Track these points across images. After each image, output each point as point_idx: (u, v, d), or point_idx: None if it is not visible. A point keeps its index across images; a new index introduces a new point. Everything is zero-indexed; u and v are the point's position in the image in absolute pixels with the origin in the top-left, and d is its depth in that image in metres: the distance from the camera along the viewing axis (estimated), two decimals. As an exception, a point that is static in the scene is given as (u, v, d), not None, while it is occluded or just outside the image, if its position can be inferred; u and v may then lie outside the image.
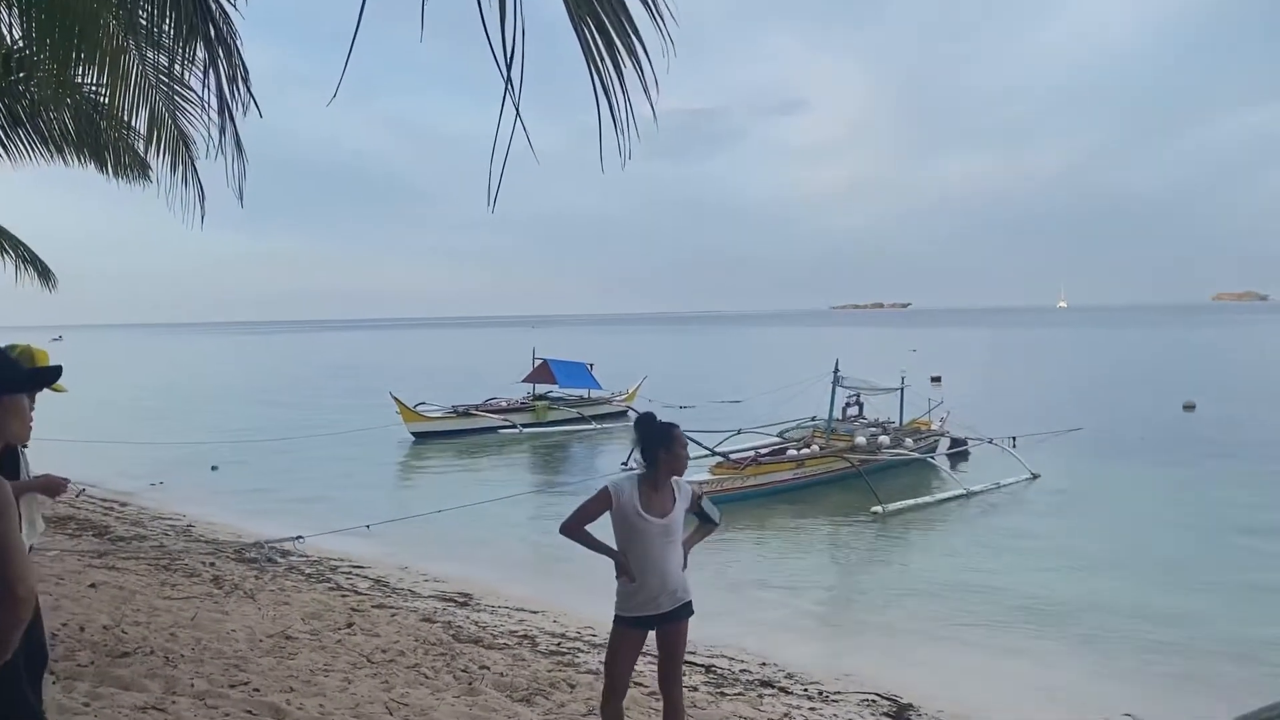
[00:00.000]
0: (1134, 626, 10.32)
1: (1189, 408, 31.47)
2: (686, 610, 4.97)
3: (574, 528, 5.11)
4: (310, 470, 22.44)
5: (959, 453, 22.14)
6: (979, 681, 8.79)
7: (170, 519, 15.78)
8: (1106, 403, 34.11)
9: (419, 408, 27.83)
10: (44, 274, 11.73)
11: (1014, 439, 21.96)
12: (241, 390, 48.63)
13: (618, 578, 4.99)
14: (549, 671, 7.78)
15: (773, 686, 8.22)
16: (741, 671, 8.65)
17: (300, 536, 13.23)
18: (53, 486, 4.25)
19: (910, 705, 7.91)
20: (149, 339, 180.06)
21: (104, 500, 17.15)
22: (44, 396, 3.92)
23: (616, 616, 5.06)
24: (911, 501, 17.21)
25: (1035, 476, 19.48)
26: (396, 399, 26.97)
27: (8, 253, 11.17)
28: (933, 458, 20.85)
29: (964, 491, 17.94)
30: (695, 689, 7.78)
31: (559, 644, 9.10)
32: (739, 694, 7.81)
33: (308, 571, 11.86)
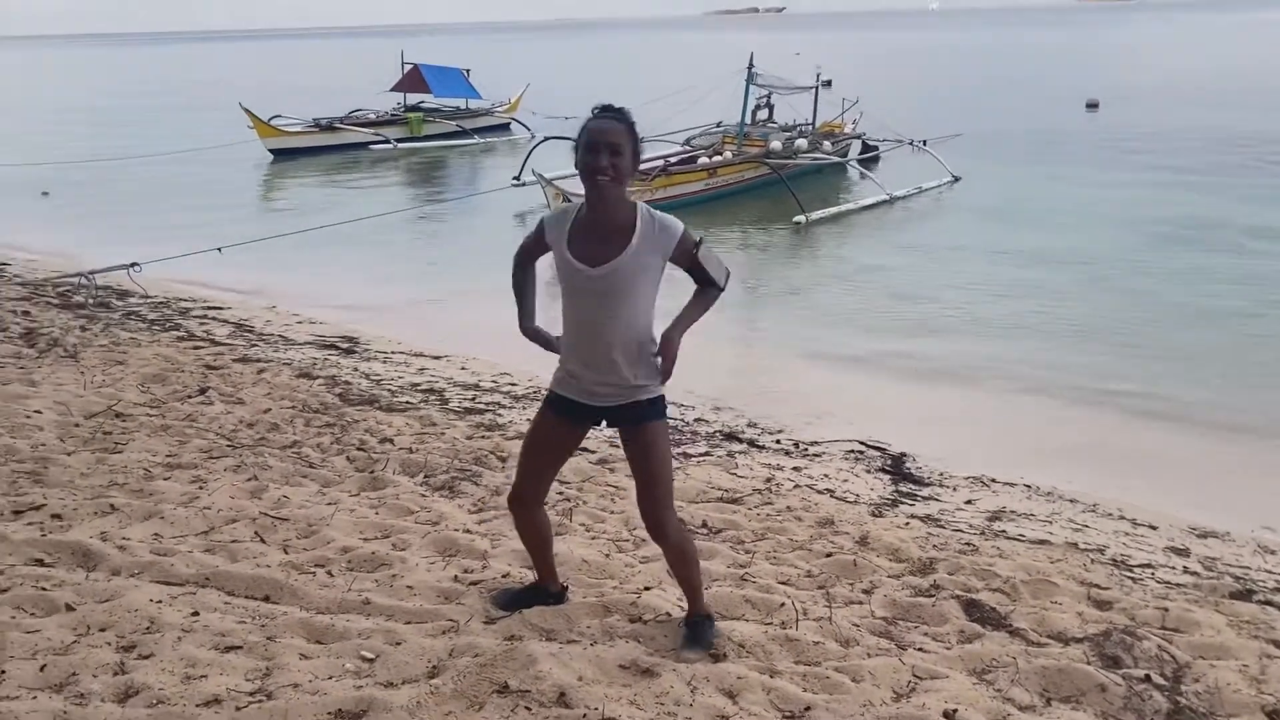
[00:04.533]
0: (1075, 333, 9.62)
1: (1092, 106, 30.49)
2: (645, 412, 3.22)
3: (514, 269, 3.38)
4: (156, 194, 19.47)
5: (871, 157, 20.67)
6: (946, 424, 7.58)
7: (-21, 257, 13.16)
8: (1009, 104, 32.91)
9: (274, 121, 24.54)
10: None
11: (925, 141, 20.52)
12: (57, 109, 43.05)
13: None
14: (469, 439, 6.14)
15: (739, 440, 6.80)
16: (697, 422, 7.19)
17: (136, 264, 10.75)
18: None
19: (904, 455, 6.62)
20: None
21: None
22: None
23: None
24: (835, 210, 15.79)
25: (956, 179, 18.24)
26: (248, 111, 23.57)
27: None
28: (852, 163, 19.33)
29: (887, 197, 16.57)
30: (652, 451, 6.28)
31: (474, 398, 7.43)
32: (705, 454, 6.36)
33: (151, 318, 9.75)
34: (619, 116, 3.06)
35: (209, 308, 10.48)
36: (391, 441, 5.95)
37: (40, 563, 3.61)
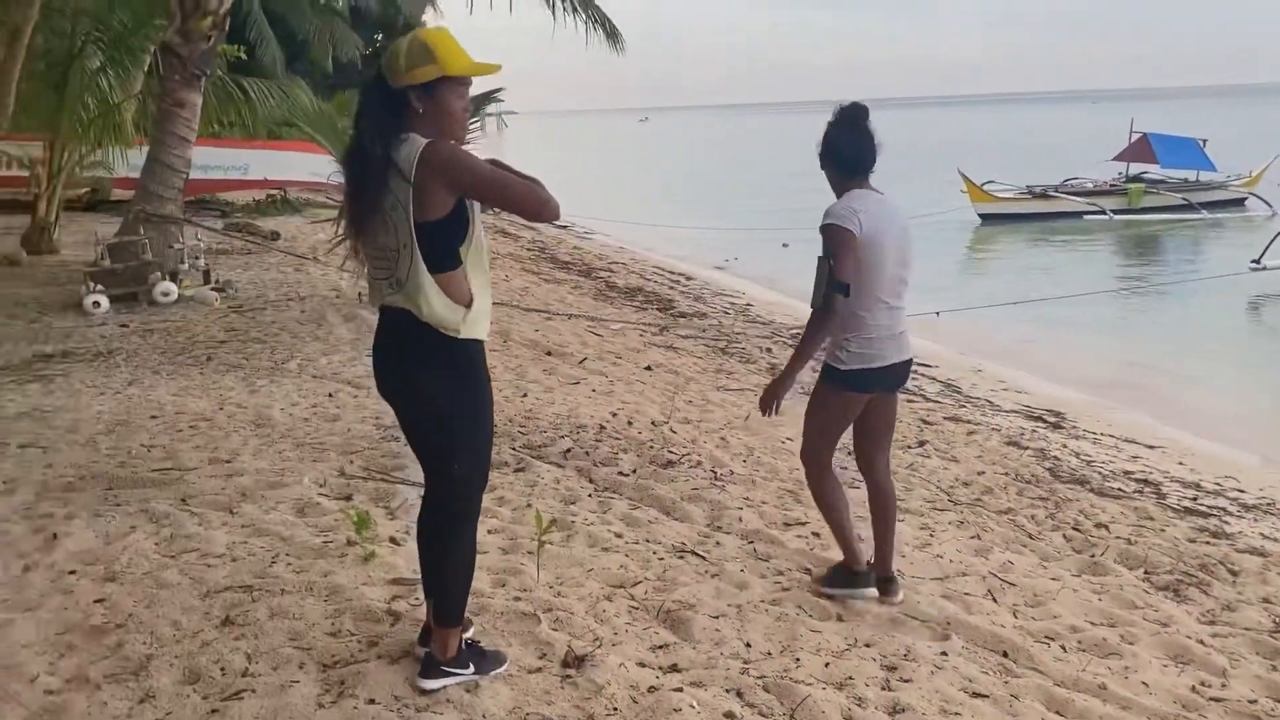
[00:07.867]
0: None
1: None
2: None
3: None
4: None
5: None
6: None
7: (730, 295, 15.51)
8: None
9: (987, 186, 25.11)
10: (612, 35, 11.29)
11: None
12: (793, 169, 48.51)
13: None
14: (1191, 542, 5.74)
15: None
16: None
17: None
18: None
19: None
20: (721, 119, 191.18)
21: (672, 274, 17.43)
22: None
23: None
24: None
25: None
26: (965, 176, 24.45)
27: (578, 11, 10.77)
28: None
29: None
30: None
31: (1194, 499, 6.90)
32: None
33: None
34: None
35: (920, 363, 11.10)
36: (1107, 528, 5.80)
37: (808, 572, 4.22)
